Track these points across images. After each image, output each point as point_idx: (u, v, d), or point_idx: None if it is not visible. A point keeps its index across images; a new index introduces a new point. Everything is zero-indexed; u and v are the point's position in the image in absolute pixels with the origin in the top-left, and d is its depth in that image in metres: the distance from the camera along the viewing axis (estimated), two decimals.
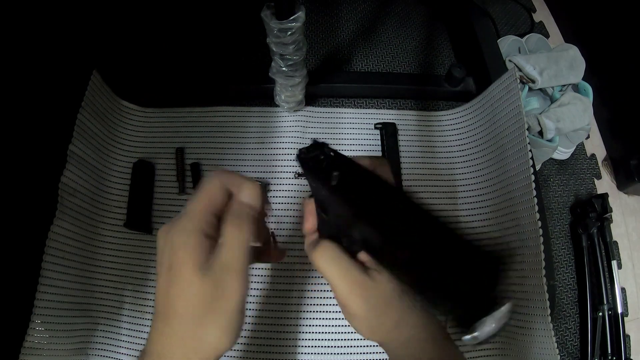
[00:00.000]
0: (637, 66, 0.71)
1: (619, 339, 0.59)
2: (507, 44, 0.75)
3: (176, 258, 0.23)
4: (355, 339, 0.55)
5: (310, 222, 0.31)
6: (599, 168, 0.74)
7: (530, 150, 0.53)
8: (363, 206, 0.22)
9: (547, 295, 0.47)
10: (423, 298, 0.21)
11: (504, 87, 0.58)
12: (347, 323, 0.30)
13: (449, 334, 0.30)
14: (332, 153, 0.27)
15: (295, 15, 0.46)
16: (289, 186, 0.62)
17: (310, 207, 0.31)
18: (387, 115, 0.68)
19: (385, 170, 0.28)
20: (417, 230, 0.19)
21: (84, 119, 0.58)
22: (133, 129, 0.66)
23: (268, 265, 0.57)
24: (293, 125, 0.66)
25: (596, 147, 0.76)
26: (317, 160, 0.27)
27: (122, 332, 0.56)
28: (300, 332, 0.55)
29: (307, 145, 0.29)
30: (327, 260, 0.27)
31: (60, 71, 0.63)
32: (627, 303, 0.64)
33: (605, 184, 0.73)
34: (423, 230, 0.19)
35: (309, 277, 0.57)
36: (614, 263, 0.63)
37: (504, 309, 0.17)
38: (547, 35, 0.84)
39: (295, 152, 0.29)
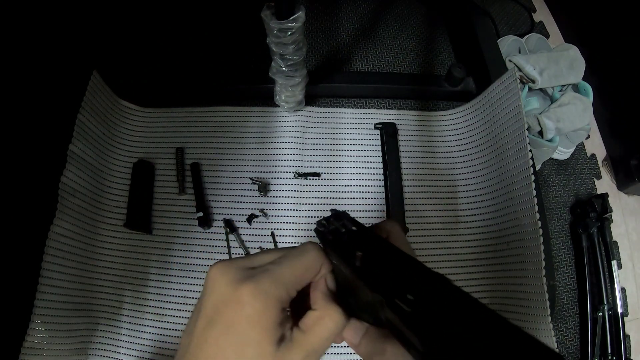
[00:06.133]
0: (637, 66, 0.71)
1: (619, 339, 0.59)
2: (507, 44, 0.75)
3: (247, 322, 0.20)
4: None
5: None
6: (599, 168, 0.74)
7: (530, 150, 0.53)
8: (393, 292, 0.19)
9: (547, 295, 0.47)
10: None
11: (504, 87, 0.58)
12: None
13: None
14: (353, 227, 0.25)
15: (295, 15, 0.46)
16: (289, 186, 0.62)
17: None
18: (387, 115, 0.68)
19: (402, 238, 0.26)
20: (461, 323, 0.16)
21: (84, 119, 0.58)
22: (133, 129, 0.66)
23: None
24: (293, 125, 0.66)
25: (596, 147, 0.76)
26: (338, 233, 0.24)
27: (122, 332, 0.56)
28: None
29: (325, 214, 0.26)
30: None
31: (60, 71, 0.63)
32: (627, 303, 0.64)
33: (605, 184, 0.73)
34: (468, 322, 0.16)
35: None
36: (614, 263, 0.63)
37: None
38: (547, 35, 0.84)
39: (316, 222, 0.26)
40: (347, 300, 0.24)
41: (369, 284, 0.20)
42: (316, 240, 0.26)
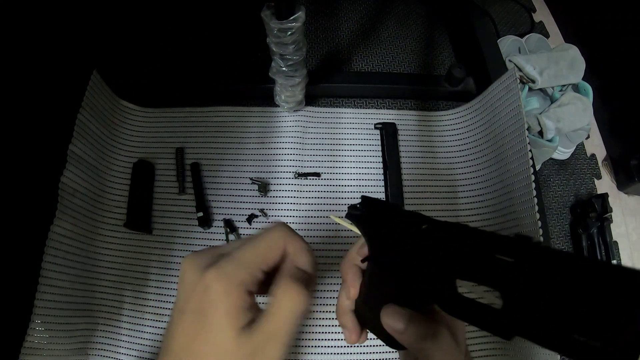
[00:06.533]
0: (637, 66, 0.71)
1: None
2: (507, 44, 0.75)
3: (211, 306, 0.20)
4: None
5: (354, 291, 0.27)
6: (599, 168, 0.73)
7: (530, 150, 0.53)
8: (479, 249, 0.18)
9: None
10: None
11: (504, 87, 0.58)
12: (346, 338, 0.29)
13: None
14: (403, 209, 0.24)
15: (295, 15, 0.46)
16: (289, 186, 0.62)
17: (353, 273, 0.27)
18: (387, 115, 0.68)
19: None
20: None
21: (84, 119, 0.58)
22: (133, 129, 0.66)
23: None
24: (293, 125, 0.66)
25: (596, 147, 0.76)
26: (386, 214, 0.24)
27: (122, 332, 0.56)
28: (300, 332, 0.55)
29: (357, 200, 0.26)
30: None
31: (60, 71, 0.62)
32: None
33: (605, 184, 0.73)
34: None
35: None
36: (614, 263, 0.63)
37: None
38: (547, 35, 0.84)
39: (349, 207, 0.25)
40: (383, 286, 0.24)
41: (439, 257, 0.20)
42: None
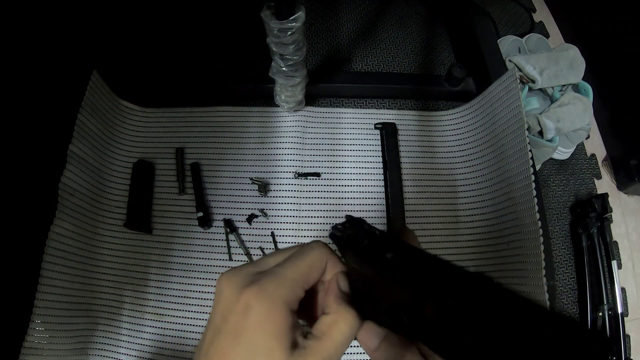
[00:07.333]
0: (637, 66, 0.71)
1: (619, 339, 0.59)
2: (507, 44, 0.75)
3: (254, 328, 0.19)
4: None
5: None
6: (599, 168, 0.73)
7: (530, 150, 0.53)
8: (429, 290, 0.18)
9: (547, 295, 0.47)
10: None
11: (504, 87, 0.58)
12: None
13: None
14: (377, 232, 0.24)
15: (295, 15, 0.46)
16: (289, 186, 0.62)
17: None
18: (387, 115, 0.68)
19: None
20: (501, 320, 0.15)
21: (84, 119, 0.58)
22: (133, 129, 0.66)
23: None
24: (293, 125, 0.66)
25: (596, 147, 0.76)
26: (357, 237, 0.24)
27: (122, 332, 0.56)
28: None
29: (340, 220, 0.26)
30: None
31: (60, 71, 0.63)
32: (627, 303, 0.64)
33: (605, 184, 0.73)
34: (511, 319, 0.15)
35: None
36: (614, 263, 0.63)
37: None
38: (547, 35, 0.84)
39: (330, 228, 0.25)
40: (364, 304, 0.24)
41: (401, 284, 0.20)
42: (327, 241, 0.26)
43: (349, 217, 0.26)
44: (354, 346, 0.55)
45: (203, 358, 0.20)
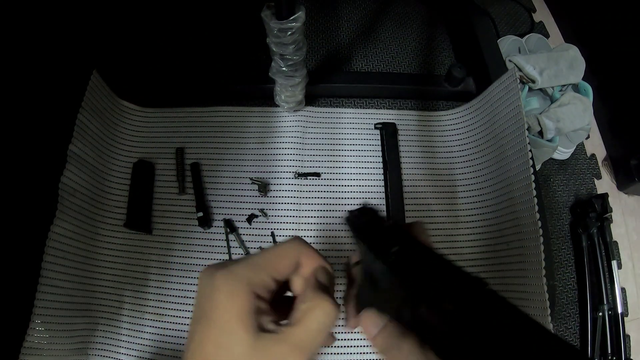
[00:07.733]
0: (637, 66, 0.71)
1: (619, 339, 0.59)
2: (507, 44, 0.75)
3: (218, 307, 0.19)
4: (354, 339, 0.55)
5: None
6: (599, 168, 0.74)
7: (530, 150, 0.53)
8: (427, 290, 0.19)
9: (547, 295, 0.47)
10: None
11: (504, 87, 0.58)
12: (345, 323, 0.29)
13: None
14: (387, 224, 0.25)
15: (295, 15, 0.46)
16: (289, 186, 0.62)
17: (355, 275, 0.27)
18: (387, 115, 0.68)
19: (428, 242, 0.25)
20: (492, 326, 0.16)
21: (84, 119, 0.58)
22: (133, 129, 0.66)
23: None
24: (293, 125, 0.66)
25: (596, 147, 0.76)
26: (370, 226, 0.24)
27: (122, 332, 0.56)
28: None
29: (355, 206, 0.27)
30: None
31: (60, 71, 0.63)
32: (627, 303, 0.64)
33: (605, 184, 0.73)
34: (500, 325, 0.16)
35: None
36: (614, 263, 0.63)
37: None
38: (547, 35, 0.84)
39: (347, 211, 0.26)
40: (369, 291, 0.24)
41: (402, 281, 0.20)
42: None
43: (363, 205, 0.27)
44: (355, 346, 0.55)
45: (185, 350, 0.20)
